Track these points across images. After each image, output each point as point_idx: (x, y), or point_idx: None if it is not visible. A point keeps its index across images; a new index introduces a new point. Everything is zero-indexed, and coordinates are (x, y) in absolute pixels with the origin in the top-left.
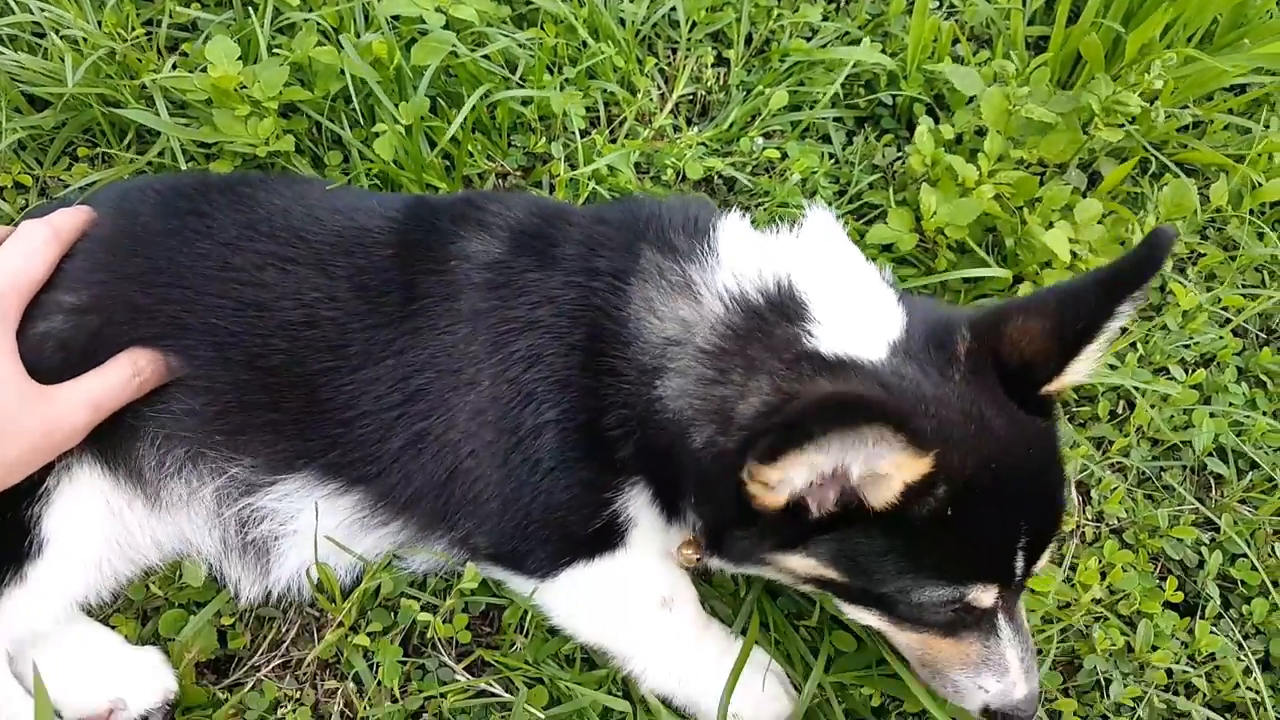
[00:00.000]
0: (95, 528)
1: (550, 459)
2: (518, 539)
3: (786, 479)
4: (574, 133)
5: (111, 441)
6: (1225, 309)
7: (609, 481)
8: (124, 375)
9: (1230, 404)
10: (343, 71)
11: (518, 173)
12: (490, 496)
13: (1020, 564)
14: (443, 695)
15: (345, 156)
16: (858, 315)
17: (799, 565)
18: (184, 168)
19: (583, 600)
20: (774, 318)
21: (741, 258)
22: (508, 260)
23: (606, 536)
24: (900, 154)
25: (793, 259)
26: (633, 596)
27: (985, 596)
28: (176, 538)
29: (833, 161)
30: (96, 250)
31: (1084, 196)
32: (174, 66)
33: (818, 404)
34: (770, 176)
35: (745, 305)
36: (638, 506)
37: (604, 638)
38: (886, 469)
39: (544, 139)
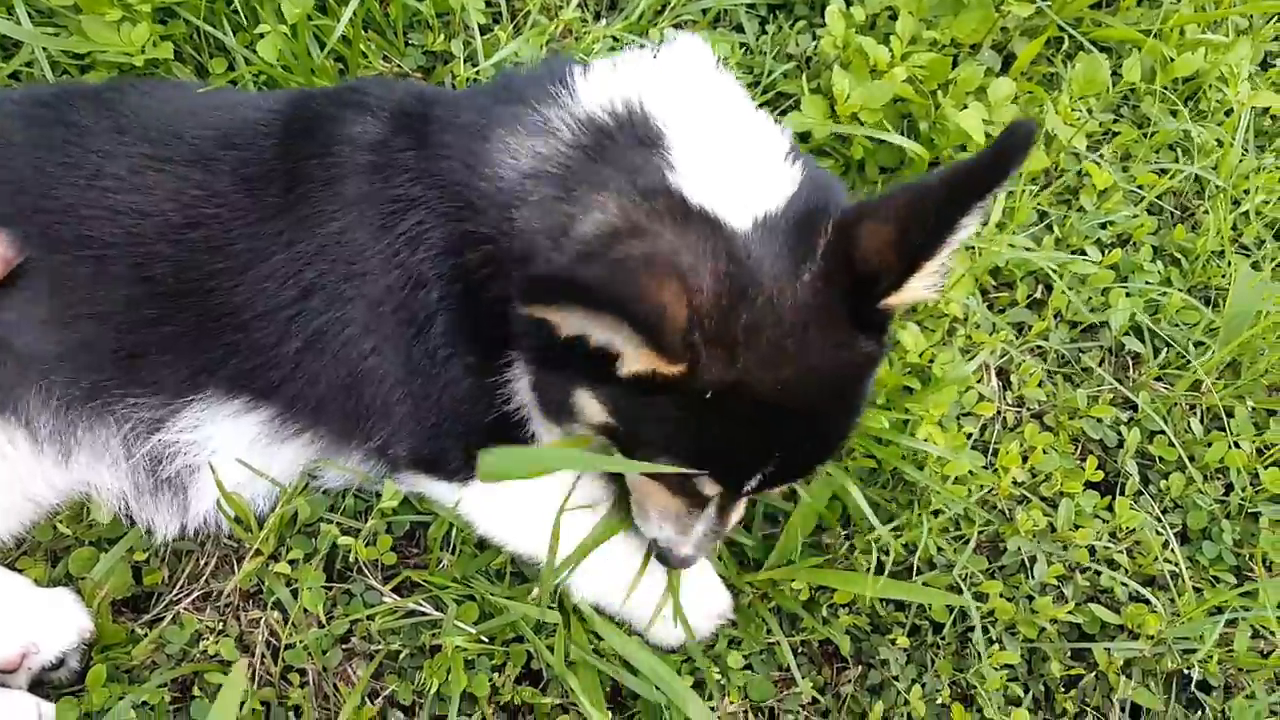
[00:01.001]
0: None
1: (445, 346)
2: (433, 440)
3: (558, 322)
4: (474, 29)
5: None
6: (1140, 187)
7: (493, 364)
8: None
9: (1146, 283)
10: None
11: (417, 73)
12: (399, 396)
13: (754, 483)
14: (370, 618)
15: (230, 63)
16: (734, 168)
17: (593, 410)
18: (52, 79)
19: (504, 505)
20: (624, 139)
21: (596, 89)
22: (388, 140)
23: (511, 430)
24: (814, 41)
25: (645, 82)
26: (555, 499)
27: (708, 488)
28: (78, 483)
29: (745, 51)
30: None
31: (998, 77)
32: None
33: (555, 280)
34: None
35: (592, 126)
36: (525, 389)
37: (530, 544)
38: (626, 351)
39: (443, 36)
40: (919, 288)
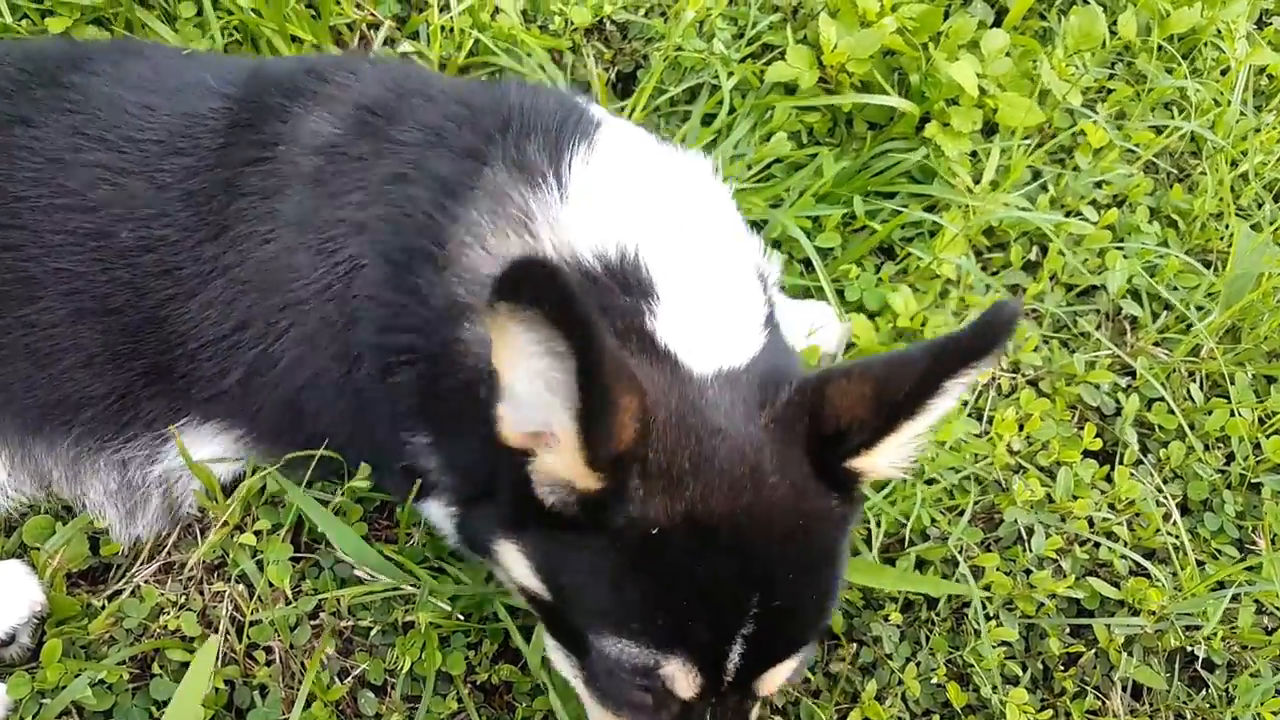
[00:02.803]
0: None
1: (371, 389)
2: (375, 465)
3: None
4: None
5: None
6: (1136, 146)
7: (401, 422)
8: None
9: (1143, 244)
10: None
11: (393, 22)
12: (340, 429)
13: (735, 658)
14: (339, 598)
15: (199, 8)
16: (708, 327)
17: (513, 562)
18: (11, 23)
19: (451, 527)
20: (609, 284)
21: (589, 207)
22: (343, 145)
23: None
24: None
25: (644, 228)
26: None
27: (683, 681)
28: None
29: (730, 1)
30: None
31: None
32: None
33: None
34: (666, 20)
35: (579, 269)
36: (428, 460)
37: None
38: (555, 428)
39: None
40: (895, 454)
